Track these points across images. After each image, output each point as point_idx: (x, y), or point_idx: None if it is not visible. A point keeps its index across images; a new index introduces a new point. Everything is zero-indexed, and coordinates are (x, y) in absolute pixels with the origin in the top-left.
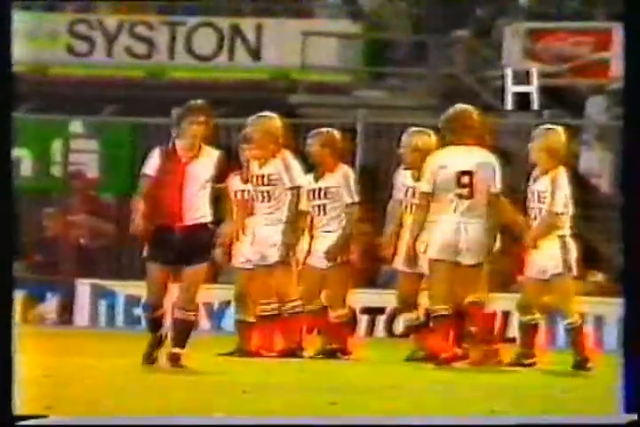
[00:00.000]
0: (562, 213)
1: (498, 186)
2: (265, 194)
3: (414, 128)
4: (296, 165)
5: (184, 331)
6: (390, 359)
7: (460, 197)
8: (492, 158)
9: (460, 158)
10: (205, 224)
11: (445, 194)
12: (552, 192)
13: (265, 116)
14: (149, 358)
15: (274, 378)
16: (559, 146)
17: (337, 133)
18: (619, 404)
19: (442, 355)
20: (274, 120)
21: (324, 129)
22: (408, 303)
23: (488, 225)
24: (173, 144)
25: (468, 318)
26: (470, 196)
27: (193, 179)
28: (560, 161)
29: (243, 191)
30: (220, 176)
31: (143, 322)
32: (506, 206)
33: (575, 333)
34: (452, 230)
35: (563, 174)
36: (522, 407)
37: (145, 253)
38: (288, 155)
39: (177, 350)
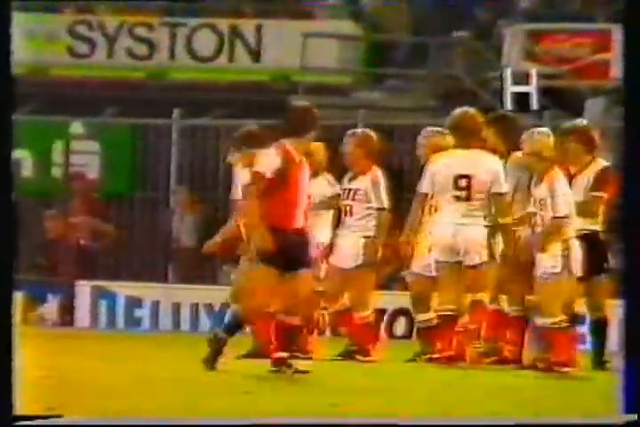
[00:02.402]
0: (565, 216)
1: (502, 187)
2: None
3: (429, 129)
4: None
5: (291, 335)
6: (391, 361)
7: (458, 199)
8: (494, 161)
9: (459, 161)
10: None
11: (444, 196)
12: (552, 197)
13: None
14: (213, 363)
15: (275, 379)
16: (547, 148)
17: (372, 134)
18: (619, 404)
19: (443, 354)
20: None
21: (359, 129)
22: (421, 305)
23: (490, 225)
24: (284, 144)
25: (470, 317)
26: (468, 198)
27: (304, 180)
28: (552, 163)
29: None
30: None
31: (229, 324)
32: (509, 208)
33: (552, 334)
34: (451, 232)
35: (559, 177)
36: (522, 408)
37: (253, 256)
38: (379, 173)
39: (282, 354)
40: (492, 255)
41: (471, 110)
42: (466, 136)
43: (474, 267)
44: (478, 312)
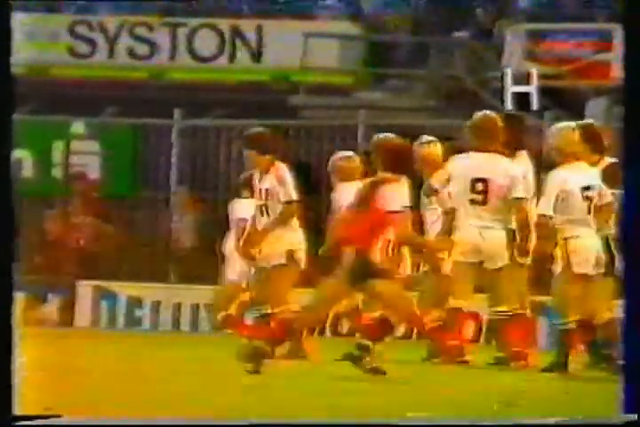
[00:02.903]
0: (549, 216)
1: (520, 192)
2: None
3: (422, 138)
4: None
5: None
6: (391, 361)
7: (474, 202)
8: (512, 165)
9: (477, 165)
10: None
11: (462, 199)
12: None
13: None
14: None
15: (277, 379)
16: (571, 143)
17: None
18: (619, 404)
19: (453, 350)
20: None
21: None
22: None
23: (508, 229)
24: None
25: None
26: (484, 202)
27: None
28: (565, 159)
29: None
30: None
31: None
32: (528, 212)
33: (561, 335)
34: (470, 235)
35: (552, 176)
36: (522, 408)
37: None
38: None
39: (366, 342)
40: (511, 259)
41: (492, 114)
42: (485, 139)
43: (495, 271)
44: (503, 322)
